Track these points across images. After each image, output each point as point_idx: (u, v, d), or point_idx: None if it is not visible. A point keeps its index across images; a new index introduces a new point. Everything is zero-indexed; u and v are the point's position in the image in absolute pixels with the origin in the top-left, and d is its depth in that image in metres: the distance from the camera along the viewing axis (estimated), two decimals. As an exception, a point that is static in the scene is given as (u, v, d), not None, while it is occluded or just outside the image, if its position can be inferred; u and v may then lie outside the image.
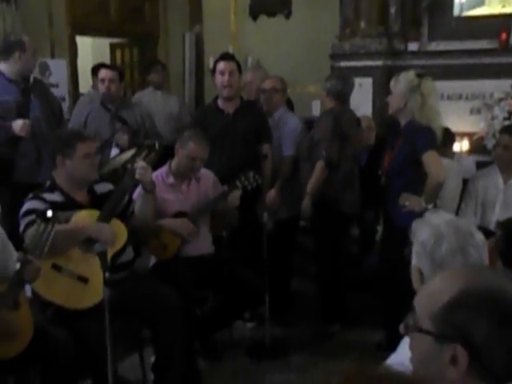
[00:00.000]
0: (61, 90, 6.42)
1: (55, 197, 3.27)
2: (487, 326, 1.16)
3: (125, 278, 3.35)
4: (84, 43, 7.72)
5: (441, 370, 1.18)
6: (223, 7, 7.65)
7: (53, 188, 3.31)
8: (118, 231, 3.25)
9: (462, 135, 5.74)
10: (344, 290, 4.57)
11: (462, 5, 6.14)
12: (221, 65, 4.45)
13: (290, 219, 4.67)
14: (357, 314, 4.63)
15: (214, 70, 4.54)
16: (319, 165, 4.25)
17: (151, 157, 3.51)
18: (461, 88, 5.98)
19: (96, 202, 3.35)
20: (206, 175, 4.09)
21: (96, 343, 2.86)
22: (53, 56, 6.51)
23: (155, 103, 6.29)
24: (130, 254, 3.47)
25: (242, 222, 4.10)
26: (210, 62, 6.90)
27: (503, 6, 5.98)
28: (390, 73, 5.41)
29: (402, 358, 1.57)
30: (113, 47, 8.32)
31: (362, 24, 6.20)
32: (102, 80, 5.04)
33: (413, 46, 6.16)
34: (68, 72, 6.66)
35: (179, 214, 3.90)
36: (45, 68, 6.24)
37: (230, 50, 6.90)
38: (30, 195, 3.27)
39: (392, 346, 1.89)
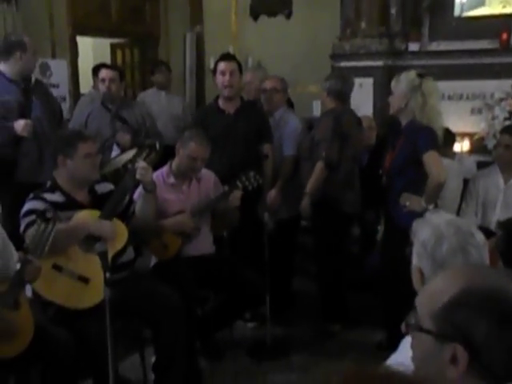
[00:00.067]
0: (61, 90, 6.43)
1: (56, 197, 3.28)
2: (487, 326, 1.16)
3: (126, 277, 3.36)
4: (85, 43, 7.73)
5: (441, 369, 1.19)
6: (224, 7, 7.66)
7: (53, 188, 3.32)
8: (119, 231, 3.26)
9: (463, 135, 5.74)
10: (344, 290, 4.58)
11: (462, 5, 6.14)
12: (221, 65, 4.45)
13: (291, 219, 4.67)
14: (358, 314, 4.64)
15: (214, 70, 4.54)
16: (319, 165, 4.25)
17: (152, 157, 3.51)
18: (461, 88, 5.98)
19: (97, 202, 3.36)
20: (207, 175, 4.09)
21: (97, 343, 2.86)
22: (53, 56, 6.51)
23: (159, 103, 6.30)
24: (130, 253, 3.47)
25: (242, 221, 4.10)
26: (210, 62, 6.91)
27: (504, 7, 5.98)
28: (390, 73, 5.41)
29: (402, 357, 1.57)
30: (113, 47, 8.33)
31: (363, 24, 6.21)
32: (103, 80, 5.04)
33: (413, 46, 6.16)
34: (69, 72, 6.67)
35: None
36: (45, 68, 6.24)
37: (231, 50, 6.90)
38: (31, 195, 3.27)
39: (393, 345, 1.89)
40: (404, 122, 3.82)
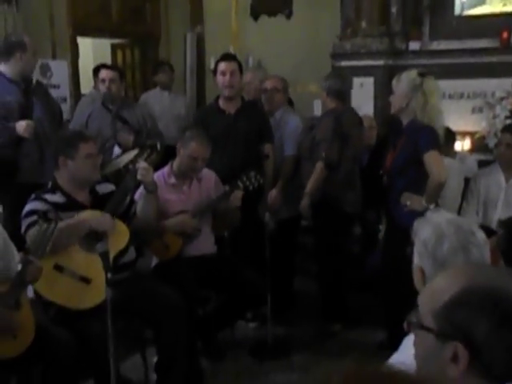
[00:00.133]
0: (62, 91, 6.43)
1: (57, 198, 3.28)
2: (488, 325, 1.16)
3: (127, 278, 3.36)
4: (85, 44, 7.72)
5: (442, 367, 1.19)
6: (224, 7, 7.65)
7: (54, 189, 3.32)
8: (120, 232, 3.26)
9: (464, 134, 5.73)
10: (345, 290, 4.58)
11: (463, 4, 6.14)
12: (222, 65, 4.45)
13: (292, 219, 4.67)
14: (359, 314, 4.64)
15: (215, 71, 4.54)
16: (319, 166, 4.25)
17: (153, 157, 3.51)
18: (462, 87, 5.97)
19: (98, 202, 3.36)
20: (208, 175, 4.09)
21: (98, 343, 2.87)
22: (54, 57, 6.50)
23: (162, 104, 6.30)
24: (132, 254, 3.48)
25: (243, 221, 4.10)
26: (211, 62, 6.89)
27: (504, 5, 5.97)
28: (391, 72, 5.41)
29: (403, 357, 1.57)
30: (114, 48, 8.32)
31: (363, 23, 6.20)
32: (103, 80, 5.05)
33: (414, 46, 6.15)
34: (69, 73, 6.66)
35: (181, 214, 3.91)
36: (46, 69, 6.24)
37: (231, 50, 6.90)
38: (32, 196, 3.27)
39: (394, 345, 1.89)
40: (405, 121, 3.81)
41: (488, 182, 4.33)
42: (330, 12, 6.64)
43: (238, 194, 3.93)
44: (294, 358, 4.10)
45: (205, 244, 4.00)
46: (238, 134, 4.40)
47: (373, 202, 4.59)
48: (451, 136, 4.77)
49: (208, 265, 3.90)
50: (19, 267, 2.69)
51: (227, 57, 4.61)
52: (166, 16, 7.91)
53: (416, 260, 1.95)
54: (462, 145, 5.73)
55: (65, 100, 6.42)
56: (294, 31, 7.17)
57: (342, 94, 4.42)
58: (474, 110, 5.97)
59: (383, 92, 5.58)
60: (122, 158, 4.51)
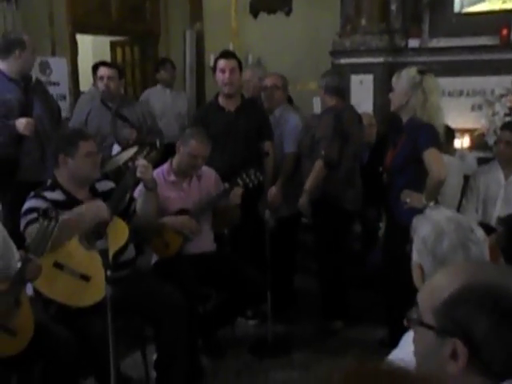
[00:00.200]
0: (61, 89, 6.43)
1: (56, 195, 3.28)
2: (487, 322, 1.16)
3: (127, 276, 3.36)
4: (84, 41, 7.72)
5: (442, 364, 1.19)
6: (224, 5, 7.65)
7: (54, 186, 3.32)
8: (120, 229, 3.26)
9: (463, 132, 5.74)
10: (346, 288, 4.58)
11: (462, 1, 6.14)
12: (221, 62, 4.44)
13: (292, 216, 4.67)
14: (359, 311, 4.64)
15: (214, 68, 4.53)
16: (318, 164, 4.25)
17: (152, 155, 3.51)
18: (462, 84, 5.97)
19: (97, 200, 3.36)
20: (208, 173, 4.09)
21: (98, 341, 2.87)
22: (53, 54, 6.50)
23: (164, 101, 6.30)
24: (131, 252, 3.48)
25: (243, 219, 4.10)
26: (210, 59, 6.89)
27: (503, 2, 5.97)
28: (390, 69, 5.41)
29: (403, 353, 1.58)
30: (113, 45, 8.32)
31: (363, 21, 6.20)
32: (101, 78, 5.04)
33: (414, 43, 6.15)
34: (69, 70, 6.66)
35: (181, 212, 3.90)
36: (45, 66, 6.24)
37: (231, 48, 6.90)
38: (31, 194, 3.27)
39: (395, 342, 1.89)
40: (405, 118, 3.81)
41: (487, 180, 4.33)
42: (330, 9, 6.63)
43: (237, 192, 3.93)
44: (294, 355, 4.10)
45: (205, 242, 4.00)
46: (237, 131, 4.40)
47: (373, 199, 4.59)
48: (451, 133, 4.77)
49: (208, 263, 3.90)
50: (19, 265, 2.70)
51: (227, 54, 4.60)
52: (165, 13, 7.91)
53: (415, 257, 1.95)
54: (462, 142, 5.73)
55: (64, 97, 6.42)
56: (293, 28, 7.17)
57: (340, 91, 4.42)
58: (473, 108, 5.97)
59: (383, 89, 5.58)
60: (122, 155, 4.50)
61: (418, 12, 6.24)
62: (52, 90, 5.76)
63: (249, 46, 7.36)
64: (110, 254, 2.82)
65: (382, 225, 4.53)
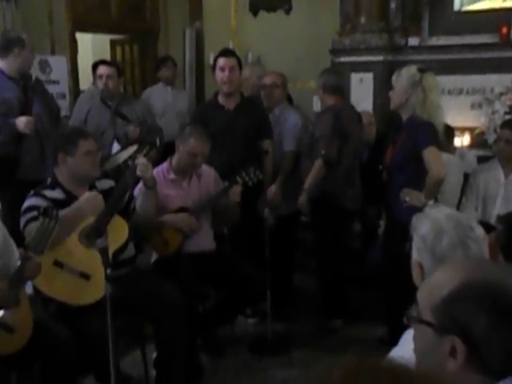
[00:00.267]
0: (61, 87, 6.42)
1: (56, 194, 3.28)
2: (486, 320, 1.16)
3: (127, 274, 3.36)
4: (84, 40, 7.71)
5: (441, 361, 1.19)
6: (223, 3, 7.64)
7: (54, 185, 3.32)
8: (120, 227, 3.26)
9: (463, 130, 5.74)
10: (345, 286, 4.58)
11: (462, -1, 6.15)
12: (221, 61, 4.44)
13: (291, 215, 4.67)
14: (359, 309, 4.64)
15: (214, 66, 4.53)
16: (317, 163, 4.25)
17: (152, 153, 3.51)
18: (461, 83, 5.97)
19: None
20: (207, 171, 4.09)
21: (98, 339, 2.87)
22: (53, 53, 6.49)
23: (165, 99, 6.30)
24: (131, 250, 3.48)
25: (243, 217, 4.10)
26: (210, 57, 6.88)
27: (504, 0, 5.97)
28: (390, 68, 5.41)
29: (403, 351, 1.58)
30: (113, 44, 8.31)
31: (363, 19, 6.19)
32: (100, 76, 5.04)
33: (413, 41, 6.15)
34: (68, 69, 6.64)
35: (180, 210, 3.90)
36: (45, 65, 6.23)
37: (231, 46, 6.89)
38: (31, 192, 3.27)
39: (394, 340, 1.89)
40: (405, 117, 3.81)
41: (487, 178, 4.33)
42: (330, 8, 6.63)
43: (236, 190, 3.93)
44: (293, 353, 4.11)
45: (204, 240, 4.00)
46: (237, 129, 4.39)
47: (373, 197, 4.60)
48: (450, 132, 4.77)
49: (207, 261, 3.90)
50: (19, 263, 2.70)
51: (226, 52, 4.60)
52: (165, 12, 7.90)
53: (415, 255, 1.96)
54: (462, 140, 5.73)
55: (64, 96, 6.41)
56: (293, 27, 7.16)
57: (338, 89, 4.42)
58: (473, 106, 5.97)
59: (382, 88, 5.58)
60: (122, 154, 4.51)
61: (418, 10, 6.24)
62: (52, 88, 5.75)
63: (248, 44, 7.35)
64: (110, 252, 2.82)
65: (382, 223, 4.53)
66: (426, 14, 6.23)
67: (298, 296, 4.91)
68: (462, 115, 5.76)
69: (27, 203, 3.20)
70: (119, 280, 2.89)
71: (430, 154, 3.63)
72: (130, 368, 3.65)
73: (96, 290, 2.97)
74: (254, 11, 7.53)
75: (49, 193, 3.26)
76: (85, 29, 7.17)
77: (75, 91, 6.64)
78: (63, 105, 6.14)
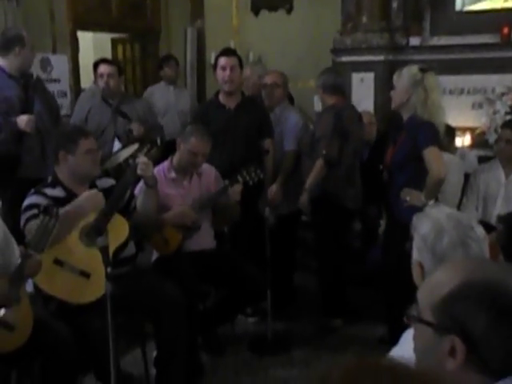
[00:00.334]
0: (62, 86, 6.42)
1: (57, 192, 3.28)
2: (485, 320, 1.16)
3: (127, 272, 3.36)
4: (85, 38, 7.71)
5: (440, 360, 1.19)
6: (225, 2, 7.64)
7: (54, 183, 3.32)
8: (120, 226, 3.26)
9: (464, 130, 5.74)
10: (345, 285, 4.58)
11: (463, -1, 6.15)
12: (222, 60, 4.44)
13: (292, 214, 4.67)
14: (359, 309, 4.64)
15: (215, 65, 4.53)
16: (318, 163, 4.25)
17: (153, 152, 3.51)
18: (462, 82, 5.97)
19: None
20: (208, 170, 4.09)
21: (98, 338, 2.87)
22: (54, 51, 6.50)
23: (167, 98, 6.30)
24: (132, 249, 3.48)
25: (243, 217, 4.10)
26: (211, 57, 6.89)
27: (505, 1, 5.97)
28: (391, 67, 5.41)
29: (403, 351, 1.58)
30: (114, 42, 8.31)
31: (364, 19, 6.19)
32: (101, 75, 5.04)
33: (415, 41, 6.15)
34: (69, 67, 6.65)
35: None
36: (46, 63, 6.23)
37: (232, 45, 6.89)
38: (32, 190, 3.28)
39: (395, 340, 1.89)
40: (405, 116, 3.81)
41: (488, 178, 4.34)
42: (331, 7, 6.63)
43: (237, 188, 3.92)
44: (294, 353, 4.11)
45: (204, 239, 4.00)
46: (238, 129, 4.40)
47: (373, 197, 4.60)
48: (451, 131, 4.77)
49: (208, 260, 3.90)
50: (19, 261, 2.70)
51: (227, 52, 4.60)
52: (166, 10, 7.90)
53: (415, 255, 1.96)
54: (463, 140, 5.73)
55: (65, 94, 6.42)
56: (294, 26, 7.16)
57: (338, 89, 4.41)
58: (474, 106, 5.97)
59: (383, 87, 5.58)
60: (122, 152, 4.51)
61: (419, 10, 6.24)
62: (53, 87, 5.76)
63: (250, 43, 7.35)
64: (111, 250, 2.82)
65: (382, 222, 4.53)
66: (427, 13, 6.23)
67: (298, 295, 4.91)
68: (463, 115, 5.76)
69: (28, 201, 3.20)
70: (119, 278, 2.89)
71: (431, 154, 3.63)
72: (130, 366, 3.65)
73: (96, 288, 2.97)
74: (256, 10, 7.53)
75: (49, 191, 3.26)
76: (86, 27, 7.17)
77: (76, 90, 6.64)
78: (64, 103, 6.15)
